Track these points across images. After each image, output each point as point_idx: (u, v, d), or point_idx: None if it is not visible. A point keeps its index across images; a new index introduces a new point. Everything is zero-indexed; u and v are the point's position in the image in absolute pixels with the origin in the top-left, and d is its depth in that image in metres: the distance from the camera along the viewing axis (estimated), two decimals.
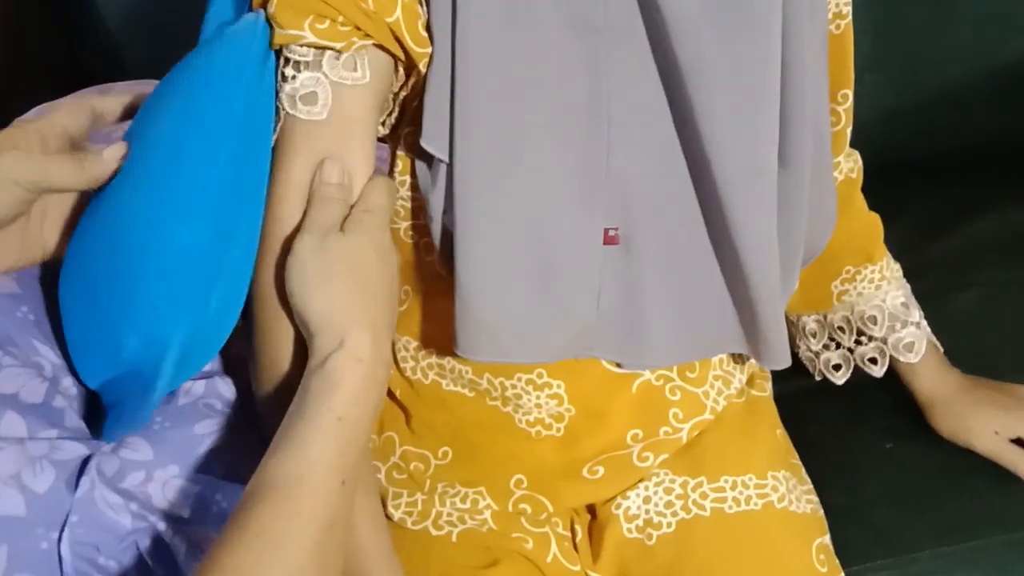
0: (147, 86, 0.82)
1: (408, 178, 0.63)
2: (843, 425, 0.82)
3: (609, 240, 0.59)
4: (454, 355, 0.63)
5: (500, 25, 0.55)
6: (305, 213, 0.54)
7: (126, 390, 0.55)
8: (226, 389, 0.60)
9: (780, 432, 0.74)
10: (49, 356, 0.57)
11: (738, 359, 0.71)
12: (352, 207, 0.55)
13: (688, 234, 0.60)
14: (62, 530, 0.50)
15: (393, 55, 0.56)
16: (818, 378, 0.82)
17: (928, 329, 0.80)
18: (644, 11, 0.55)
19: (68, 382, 0.57)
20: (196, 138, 0.54)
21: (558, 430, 0.67)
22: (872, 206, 0.80)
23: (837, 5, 0.68)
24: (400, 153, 0.62)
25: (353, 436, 0.49)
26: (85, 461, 0.52)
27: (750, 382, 0.74)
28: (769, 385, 0.76)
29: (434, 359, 0.68)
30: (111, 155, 0.55)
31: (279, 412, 0.50)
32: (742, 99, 0.55)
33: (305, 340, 0.53)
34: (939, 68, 1.14)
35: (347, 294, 0.52)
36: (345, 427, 0.48)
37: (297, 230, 0.54)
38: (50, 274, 0.60)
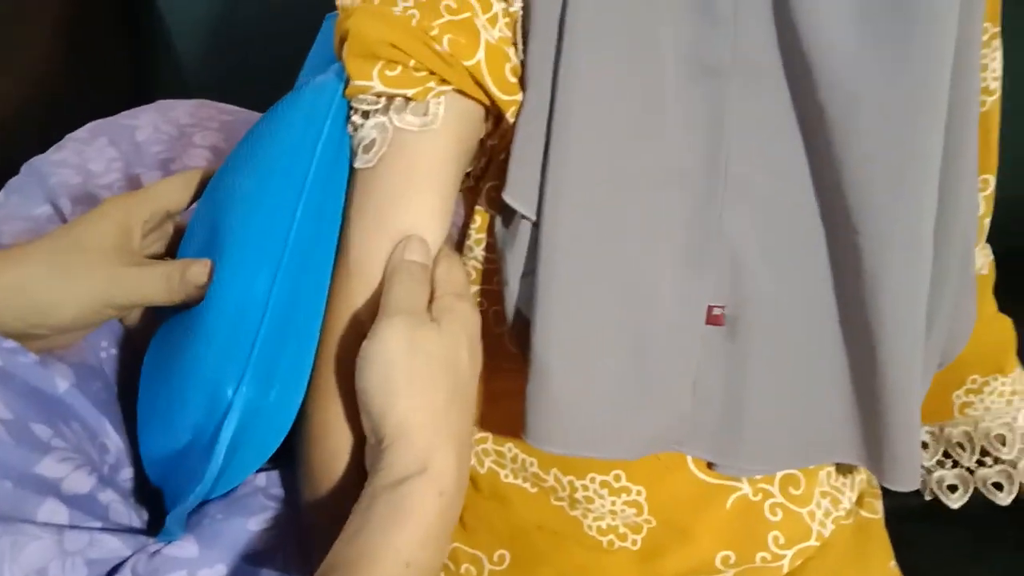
0: (209, 108, 0.78)
1: (485, 237, 0.55)
2: (959, 557, 0.72)
3: (712, 320, 0.51)
4: (517, 442, 0.55)
5: (611, 70, 0.48)
6: (382, 290, 0.47)
7: (187, 472, 0.48)
8: (291, 480, 0.52)
9: (893, 565, 0.63)
10: (115, 438, 0.52)
11: (847, 472, 0.62)
12: (435, 288, 0.48)
13: (810, 319, 0.51)
14: None
15: (478, 101, 0.49)
16: (928, 497, 0.72)
17: None
18: (784, 50, 0.48)
19: (128, 473, 0.52)
20: (274, 191, 0.49)
21: (634, 542, 0.57)
22: None
23: (984, 79, 0.60)
24: (479, 208, 0.55)
25: None
26: (123, 563, 0.46)
27: (859, 501, 0.64)
28: (880, 505, 0.66)
29: (491, 445, 0.59)
30: (198, 273, 0.49)
31: (330, 525, 0.42)
32: (905, 160, 0.46)
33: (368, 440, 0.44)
34: None
35: (439, 405, 0.43)
36: (413, 574, 0.39)
37: (365, 308, 0.47)
38: (129, 353, 0.57)
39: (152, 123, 0.73)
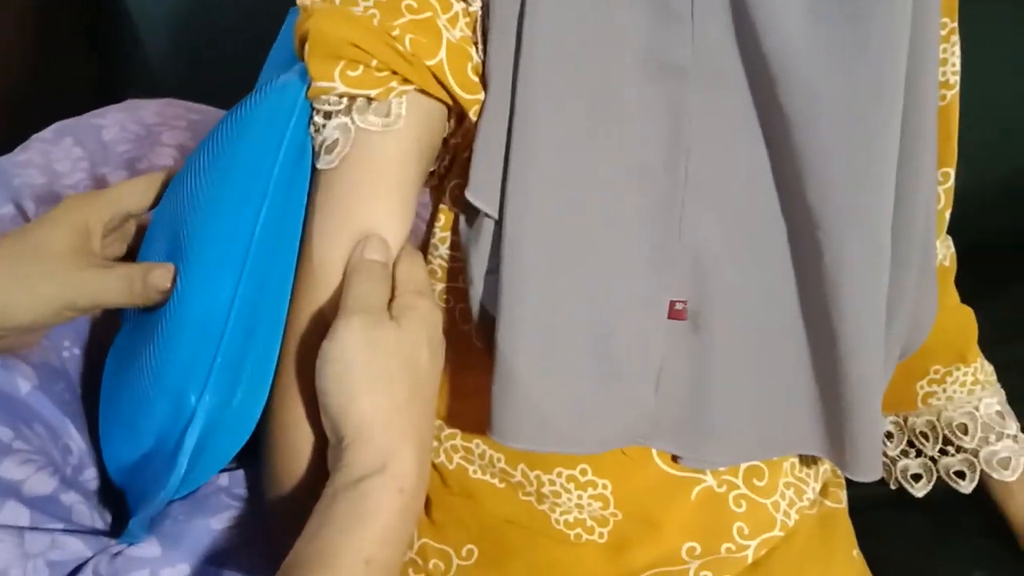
0: (176, 106, 0.78)
1: (450, 235, 0.55)
2: (924, 544, 0.72)
3: (675, 314, 0.52)
4: (485, 438, 0.55)
5: (570, 68, 0.48)
6: (342, 290, 0.47)
7: (151, 475, 0.48)
8: (254, 479, 0.53)
9: (857, 553, 0.64)
10: (78, 439, 0.52)
11: (811, 463, 0.62)
12: (396, 286, 0.48)
13: (773, 314, 0.52)
14: None
15: (441, 100, 0.49)
16: (893, 487, 0.73)
17: None
18: (743, 48, 0.48)
19: (91, 473, 0.52)
20: (237, 193, 0.49)
21: (601, 535, 0.58)
22: None
23: (944, 74, 0.60)
24: (444, 207, 0.55)
25: None
26: (85, 563, 0.45)
27: (823, 491, 0.65)
28: (844, 495, 0.67)
29: (459, 441, 0.60)
30: (161, 277, 0.48)
31: (293, 524, 0.42)
32: (862, 155, 0.47)
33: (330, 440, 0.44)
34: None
35: (398, 403, 0.43)
36: (373, 571, 0.39)
37: (327, 307, 0.47)
38: (92, 352, 0.57)
39: (119, 122, 0.73)
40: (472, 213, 0.51)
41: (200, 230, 0.48)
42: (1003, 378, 0.72)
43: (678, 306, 0.52)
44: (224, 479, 0.52)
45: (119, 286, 0.47)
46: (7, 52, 0.87)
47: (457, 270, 0.56)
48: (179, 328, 0.47)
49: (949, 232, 0.69)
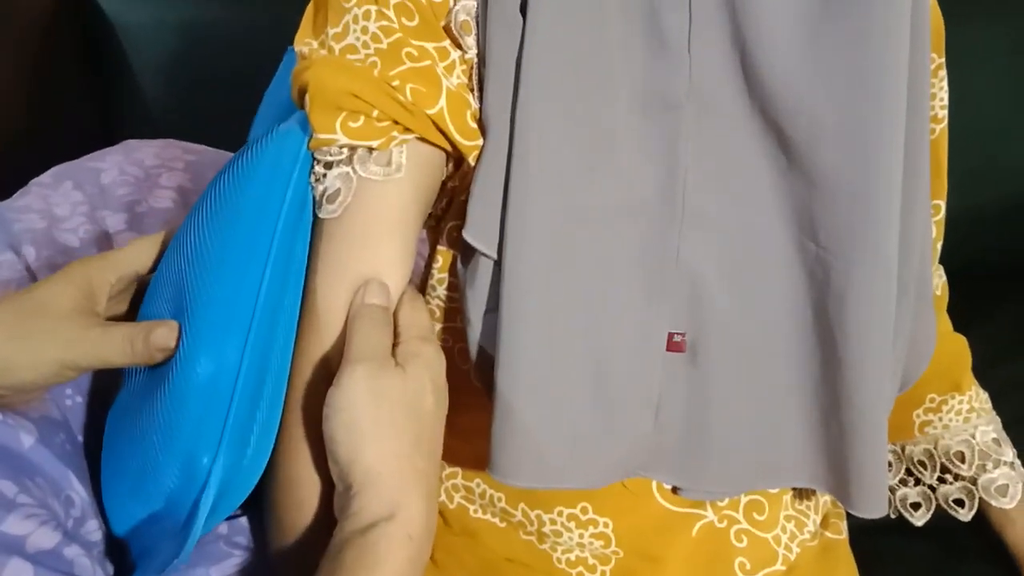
0: (174, 147, 0.78)
1: (447, 276, 0.56)
2: (925, 570, 0.73)
3: (673, 346, 0.52)
4: (485, 478, 0.55)
5: (567, 109, 0.48)
6: (345, 337, 0.47)
7: (158, 533, 0.48)
8: (255, 526, 0.52)
9: None
10: (80, 491, 0.51)
11: (811, 494, 0.62)
12: (399, 331, 0.48)
13: (774, 343, 0.52)
14: None
15: (440, 147, 0.50)
16: (893, 515, 0.73)
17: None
18: (745, 77, 0.49)
19: (93, 525, 0.51)
20: (241, 249, 0.49)
21: (603, 573, 0.58)
22: None
23: (933, 108, 0.61)
24: (441, 248, 0.56)
25: None
26: None
27: (824, 522, 0.65)
28: (844, 526, 0.67)
29: (460, 480, 0.60)
30: (164, 337, 0.48)
31: (297, 572, 0.42)
32: (870, 180, 0.47)
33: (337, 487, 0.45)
34: (1012, 172, 1.08)
35: (405, 450, 0.44)
36: None
37: (331, 355, 0.47)
38: (94, 401, 0.56)
39: (117, 165, 0.73)
40: (469, 253, 0.52)
41: (205, 289, 0.48)
42: (997, 400, 0.73)
43: (676, 338, 0.52)
44: (224, 527, 0.52)
45: (120, 346, 0.47)
46: (4, 92, 0.87)
47: (455, 310, 0.56)
48: (187, 390, 0.46)
49: (939, 258, 0.70)
